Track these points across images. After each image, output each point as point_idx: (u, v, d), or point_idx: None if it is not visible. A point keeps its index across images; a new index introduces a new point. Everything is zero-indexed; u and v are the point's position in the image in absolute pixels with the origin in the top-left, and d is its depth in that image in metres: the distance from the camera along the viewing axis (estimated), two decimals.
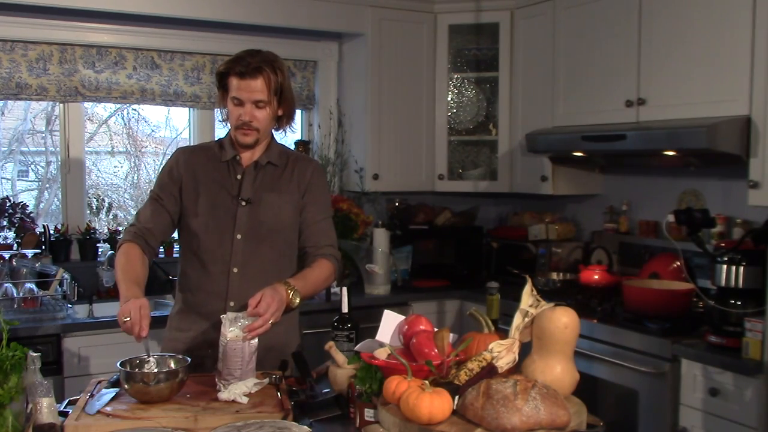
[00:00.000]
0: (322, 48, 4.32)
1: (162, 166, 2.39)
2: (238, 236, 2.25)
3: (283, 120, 2.32)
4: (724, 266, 2.75)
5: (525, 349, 1.74)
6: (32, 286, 3.28)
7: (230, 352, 1.94)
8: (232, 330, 1.95)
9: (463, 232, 4.34)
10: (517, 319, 1.76)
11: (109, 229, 3.90)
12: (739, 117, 2.84)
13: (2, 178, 4.20)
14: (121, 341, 3.17)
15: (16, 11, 3.50)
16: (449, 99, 4.27)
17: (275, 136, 2.38)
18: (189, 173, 2.29)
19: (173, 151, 2.42)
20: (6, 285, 3.25)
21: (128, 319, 1.94)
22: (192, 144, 3.89)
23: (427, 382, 1.60)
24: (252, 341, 1.96)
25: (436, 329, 1.89)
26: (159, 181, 2.33)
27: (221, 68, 2.23)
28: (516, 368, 1.73)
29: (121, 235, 2.28)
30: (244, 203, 2.25)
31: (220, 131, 4.35)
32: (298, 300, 2.08)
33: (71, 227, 3.79)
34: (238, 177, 2.28)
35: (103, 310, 3.58)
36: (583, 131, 3.43)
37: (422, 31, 4.18)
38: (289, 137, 2.54)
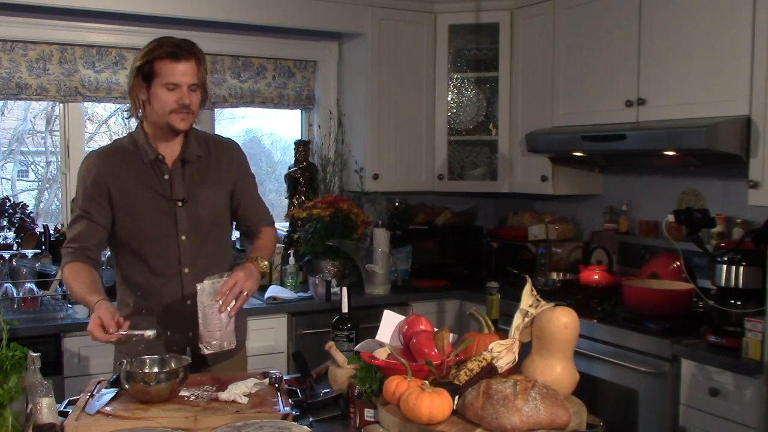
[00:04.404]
0: (322, 48, 4.32)
1: (79, 176, 2.25)
2: (183, 237, 2.22)
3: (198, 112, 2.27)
4: (724, 266, 2.75)
5: (525, 349, 1.74)
6: (32, 286, 3.28)
7: (210, 316, 2.05)
8: (209, 295, 2.05)
9: (463, 232, 4.34)
10: (517, 319, 1.76)
11: None
12: (739, 117, 2.84)
13: (2, 178, 4.20)
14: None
15: (16, 11, 3.50)
16: (449, 99, 4.26)
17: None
18: (113, 180, 2.20)
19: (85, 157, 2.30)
20: (6, 285, 3.26)
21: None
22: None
23: (427, 382, 1.60)
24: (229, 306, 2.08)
25: (436, 329, 1.89)
26: (83, 195, 2.20)
27: (144, 57, 2.16)
28: (516, 368, 1.73)
29: (62, 259, 2.21)
30: (180, 204, 2.22)
31: (220, 130, 4.37)
32: (265, 264, 2.23)
33: None
34: (166, 177, 2.22)
35: None
36: (583, 131, 3.43)
37: (422, 31, 4.18)
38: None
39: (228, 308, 2.03)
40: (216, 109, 4.18)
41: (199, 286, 2.07)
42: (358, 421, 1.76)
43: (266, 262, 2.24)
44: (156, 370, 1.94)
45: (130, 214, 2.20)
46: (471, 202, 4.53)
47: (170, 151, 2.24)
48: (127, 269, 2.27)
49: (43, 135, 4.37)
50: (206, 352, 2.09)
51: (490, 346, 1.70)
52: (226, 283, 2.05)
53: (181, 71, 2.13)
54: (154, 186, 2.21)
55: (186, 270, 2.23)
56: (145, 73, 2.16)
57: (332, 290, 3.59)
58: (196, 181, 2.25)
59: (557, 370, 1.67)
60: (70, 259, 2.17)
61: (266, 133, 4.77)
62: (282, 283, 3.87)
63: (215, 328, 2.05)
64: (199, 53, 2.18)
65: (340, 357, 1.98)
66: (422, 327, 1.88)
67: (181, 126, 2.17)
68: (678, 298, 3.06)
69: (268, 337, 3.46)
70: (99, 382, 2.01)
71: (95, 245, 2.20)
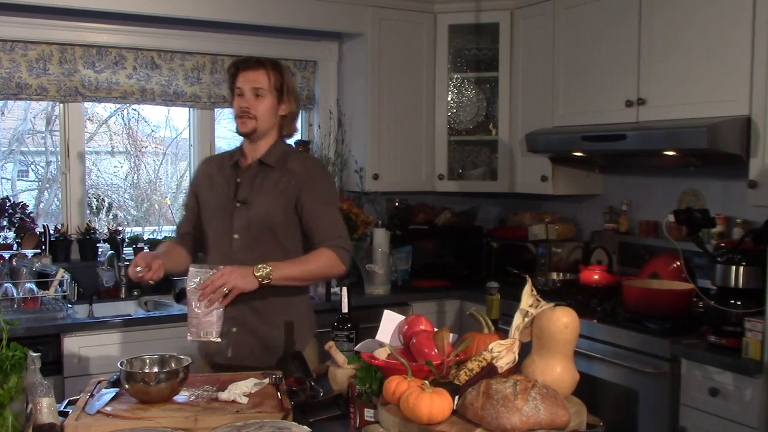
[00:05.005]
0: (322, 48, 4.32)
1: None
2: (236, 236, 2.36)
3: (287, 121, 2.43)
4: (724, 266, 2.75)
5: (525, 349, 1.74)
6: (32, 286, 3.28)
7: (189, 304, 2.20)
8: (191, 282, 2.19)
9: (463, 232, 4.34)
10: (517, 319, 1.76)
11: (109, 229, 3.89)
12: (739, 117, 2.84)
13: (2, 178, 4.20)
14: (121, 341, 3.18)
15: (16, 11, 3.50)
16: (449, 99, 4.27)
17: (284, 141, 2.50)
18: (203, 182, 2.49)
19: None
20: (6, 285, 3.25)
21: (140, 269, 2.24)
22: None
23: (427, 382, 1.59)
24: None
25: (436, 329, 1.89)
26: (187, 191, 2.66)
27: (229, 70, 2.42)
28: (516, 368, 1.73)
29: None
30: (239, 204, 2.36)
31: (220, 131, 4.37)
32: (265, 274, 2.19)
33: (71, 227, 3.79)
34: (238, 180, 2.40)
35: (103, 310, 3.59)
36: (583, 131, 3.43)
37: (422, 31, 4.18)
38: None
39: (206, 300, 2.15)
40: (216, 109, 4.18)
41: (188, 271, 2.23)
42: (358, 421, 1.76)
43: (267, 271, 2.19)
44: (156, 370, 1.93)
45: (204, 211, 2.48)
46: (471, 202, 4.53)
47: (253, 157, 2.42)
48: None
49: (43, 135, 4.36)
50: (188, 338, 2.20)
51: (490, 346, 1.70)
52: (211, 276, 2.16)
53: (248, 78, 2.35)
54: (226, 187, 2.42)
55: (215, 259, 2.39)
56: (230, 88, 2.42)
57: (332, 290, 3.59)
58: (259, 187, 2.37)
59: (557, 370, 1.67)
60: (170, 240, 2.64)
61: None
62: None
63: (192, 315, 2.19)
64: (268, 62, 2.38)
65: (340, 357, 1.98)
66: (422, 327, 1.88)
67: (242, 129, 2.37)
68: (678, 298, 3.06)
69: None
70: (99, 382, 2.01)
71: (185, 233, 2.54)
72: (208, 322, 2.19)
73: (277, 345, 2.34)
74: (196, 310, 2.18)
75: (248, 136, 2.37)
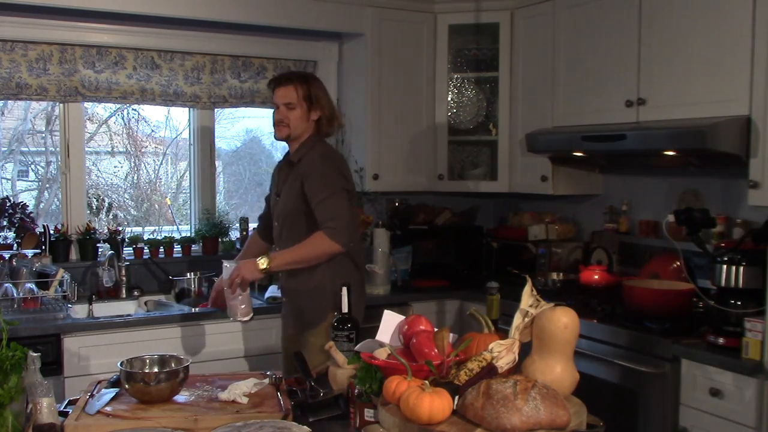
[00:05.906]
0: (322, 48, 4.32)
1: None
2: (276, 223, 2.92)
3: (322, 122, 2.83)
4: (724, 266, 2.75)
5: (525, 349, 1.74)
6: (32, 286, 3.28)
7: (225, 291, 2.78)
8: (226, 275, 2.75)
9: (463, 232, 4.34)
10: (517, 319, 1.76)
11: (109, 229, 3.89)
12: (739, 117, 2.84)
13: (2, 178, 4.19)
14: (121, 341, 3.18)
15: (16, 11, 3.50)
16: (449, 99, 4.27)
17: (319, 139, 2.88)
18: (273, 181, 3.03)
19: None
20: (6, 285, 3.25)
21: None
22: (192, 144, 4.01)
23: (427, 382, 1.60)
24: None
25: (436, 329, 1.89)
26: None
27: (269, 86, 2.89)
28: (516, 368, 1.73)
29: None
30: (277, 197, 2.92)
31: (220, 131, 4.37)
32: (265, 264, 2.66)
33: (71, 227, 3.79)
34: (281, 177, 2.91)
35: (103, 310, 3.58)
36: (583, 131, 3.43)
37: (422, 31, 4.18)
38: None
39: (229, 289, 2.70)
40: (216, 109, 4.18)
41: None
42: (358, 421, 1.76)
43: (266, 261, 2.67)
44: (156, 370, 1.94)
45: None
46: (471, 202, 4.53)
47: (290, 156, 2.90)
48: None
49: (43, 135, 4.36)
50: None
51: (490, 346, 1.70)
52: (232, 270, 2.69)
53: (280, 94, 2.81)
54: (276, 183, 2.97)
55: (276, 248, 2.93)
56: (273, 101, 2.86)
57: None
58: (285, 182, 2.87)
59: (557, 370, 1.67)
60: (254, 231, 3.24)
61: (266, 133, 4.77)
62: None
63: (227, 300, 2.77)
64: (296, 77, 2.84)
65: (340, 357, 1.98)
66: (422, 327, 1.88)
67: (277, 135, 2.86)
68: (678, 298, 3.06)
69: (268, 337, 3.46)
70: (99, 382, 2.01)
71: (264, 225, 3.15)
72: (233, 305, 2.74)
73: (301, 309, 2.85)
74: (227, 296, 2.73)
75: (283, 140, 2.86)
